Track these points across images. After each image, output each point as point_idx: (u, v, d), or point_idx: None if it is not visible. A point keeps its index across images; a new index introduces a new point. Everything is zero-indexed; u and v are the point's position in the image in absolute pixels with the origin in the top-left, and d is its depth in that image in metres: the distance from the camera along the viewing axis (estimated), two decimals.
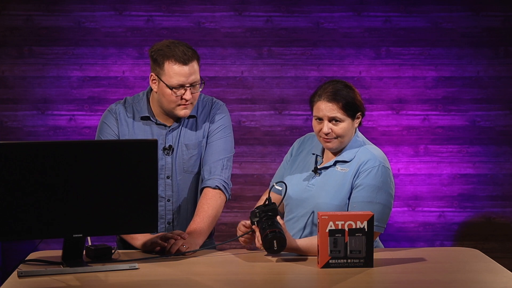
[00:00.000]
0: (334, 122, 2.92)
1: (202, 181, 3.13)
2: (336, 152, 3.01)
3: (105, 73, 4.94)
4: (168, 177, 3.12)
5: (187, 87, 2.99)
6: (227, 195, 3.12)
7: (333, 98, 2.90)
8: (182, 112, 3.04)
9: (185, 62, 2.96)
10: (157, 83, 3.03)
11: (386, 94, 5.00)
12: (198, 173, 3.16)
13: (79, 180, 2.67)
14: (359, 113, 2.96)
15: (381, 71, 4.99)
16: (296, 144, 3.18)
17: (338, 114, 2.91)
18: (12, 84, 4.93)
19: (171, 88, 2.98)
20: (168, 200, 3.14)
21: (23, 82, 4.93)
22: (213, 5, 4.94)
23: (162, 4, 4.93)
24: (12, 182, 2.59)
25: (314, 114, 2.96)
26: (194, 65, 2.99)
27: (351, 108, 2.92)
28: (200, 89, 3.04)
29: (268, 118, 5.01)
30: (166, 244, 2.87)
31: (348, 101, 2.91)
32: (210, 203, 3.06)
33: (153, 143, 2.75)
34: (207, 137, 3.15)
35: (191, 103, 3.03)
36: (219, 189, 3.08)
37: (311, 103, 2.97)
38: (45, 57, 4.92)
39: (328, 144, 2.96)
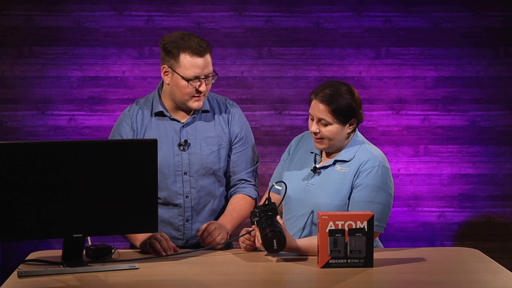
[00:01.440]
0: (322, 123, 2.91)
1: (233, 186, 3.18)
2: (335, 152, 3.00)
3: (105, 73, 4.94)
4: (185, 173, 3.09)
5: (202, 78, 2.98)
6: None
7: (326, 100, 2.88)
8: (195, 104, 3.03)
9: (200, 54, 2.96)
10: (170, 75, 3.01)
11: (386, 94, 5.00)
12: (218, 170, 3.13)
13: (79, 180, 2.67)
14: (353, 119, 2.93)
15: (381, 71, 4.99)
16: (294, 142, 3.16)
17: (326, 117, 2.88)
18: (12, 84, 4.93)
19: (187, 80, 2.97)
20: (187, 197, 3.09)
21: (23, 82, 4.93)
22: (213, 5, 4.94)
23: (162, 4, 4.93)
24: (12, 182, 2.59)
25: (309, 111, 2.95)
26: (208, 57, 2.99)
27: (342, 114, 2.88)
28: (213, 81, 3.04)
29: (268, 118, 5.01)
30: (163, 253, 2.87)
31: (340, 106, 2.87)
32: (246, 208, 3.13)
33: (153, 143, 2.75)
34: (234, 142, 3.15)
35: (203, 95, 3.03)
36: (255, 200, 3.19)
37: (309, 100, 2.96)
38: (45, 57, 4.92)
39: (317, 143, 2.96)
